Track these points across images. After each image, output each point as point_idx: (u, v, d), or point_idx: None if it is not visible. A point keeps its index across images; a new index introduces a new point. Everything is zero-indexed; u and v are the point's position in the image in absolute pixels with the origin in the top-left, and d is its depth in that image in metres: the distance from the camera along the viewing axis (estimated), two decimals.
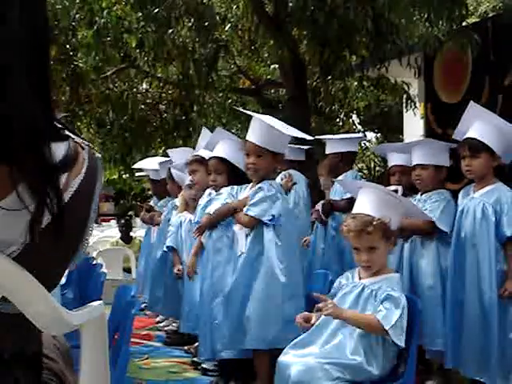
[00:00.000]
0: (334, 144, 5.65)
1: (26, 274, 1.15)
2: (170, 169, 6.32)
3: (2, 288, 1.14)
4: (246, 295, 4.03)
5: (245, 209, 4.10)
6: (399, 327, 3.05)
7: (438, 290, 4.25)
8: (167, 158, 6.73)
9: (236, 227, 4.21)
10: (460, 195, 4.21)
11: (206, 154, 4.99)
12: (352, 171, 5.64)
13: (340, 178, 5.46)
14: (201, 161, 5.20)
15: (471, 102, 4.18)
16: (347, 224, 3.34)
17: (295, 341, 3.27)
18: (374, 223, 3.25)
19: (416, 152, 4.49)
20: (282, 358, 3.19)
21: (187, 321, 5.15)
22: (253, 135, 4.12)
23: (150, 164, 7.46)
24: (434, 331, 4.16)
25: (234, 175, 4.50)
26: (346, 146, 5.57)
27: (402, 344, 3.06)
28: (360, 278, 3.35)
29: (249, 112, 4.48)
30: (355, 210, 3.49)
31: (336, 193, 5.50)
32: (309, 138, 4.56)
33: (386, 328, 3.02)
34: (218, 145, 4.68)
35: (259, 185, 4.14)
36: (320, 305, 3.13)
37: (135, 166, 8.30)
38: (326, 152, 5.72)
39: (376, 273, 3.32)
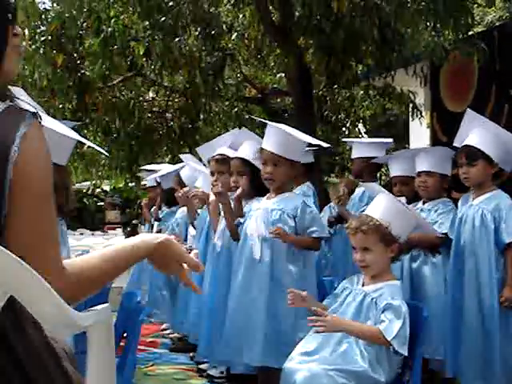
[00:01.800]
0: (360, 148, 5.60)
1: (33, 273, 1.16)
2: (178, 174, 6.30)
3: (8, 287, 1.16)
4: (265, 310, 3.92)
5: (313, 233, 4.00)
6: (402, 336, 3.05)
7: (441, 298, 4.25)
8: (169, 170, 6.76)
9: (250, 231, 4.08)
10: (459, 203, 4.21)
11: (231, 153, 4.74)
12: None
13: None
14: (228, 161, 4.75)
15: (468, 109, 4.20)
16: (349, 223, 3.40)
17: (301, 349, 3.27)
18: (371, 223, 3.27)
19: (421, 159, 4.48)
20: (287, 365, 3.19)
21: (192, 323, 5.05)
22: (269, 143, 4.03)
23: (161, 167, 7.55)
24: (437, 341, 4.15)
25: (256, 179, 4.29)
26: (372, 151, 5.46)
27: (406, 353, 3.06)
28: (363, 285, 3.36)
29: (263, 120, 4.35)
30: (366, 212, 3.52)
31: (354, 206, 5.41)
32: (325, 145, 4.46)
33: (389, 339, 3.03)
34: (242, 145, 4.52)
35: (302, 199, 4.09)
36: (317, 324, 3.11)
37: (146, 167, 8.31)
38: (352, 156, 5.69)
39: (376, 278, 3.32)
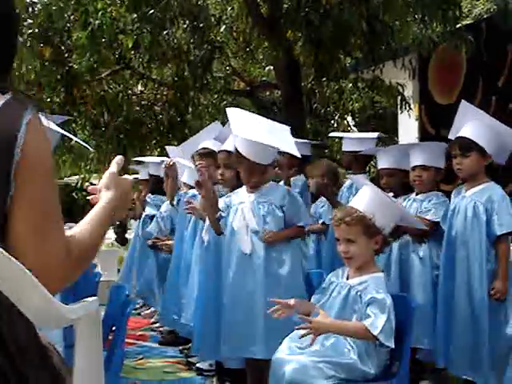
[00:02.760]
0: (349, 143, 5.64)
1: (20, 267, 1.15)
2: None
3: None
4: (259, 302, 3.87)
5: (299, 221, 4.05)
6: (388, 329, 3.03)
7: (426, 288, 4.26)
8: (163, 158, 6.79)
9: (237, 225, 4.05)
10: (452, 195, 4.23)
11: (212, 145, 4.82)
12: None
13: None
14: (212, 154, 4.81)
15: (463, 101, 4.21)
16: (333, 214, 3.40)
17: (291, 342, 3.26)
18: (355, 215, 3.26)
19: (416, 154, 4.48)
20: (276, 356, 3.18)
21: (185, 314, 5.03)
22: (259, 155, 3.97)
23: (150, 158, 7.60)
24: (423, 330, 4.15)
25: None
26: (360, 146, 5.48)
27: (392, 345, 3.05)
28: (348, 278, 3.35)
29: (239, 132, 4.20)
30: (350, 203, 3.53)
31: (342, 196, 5.41)
32: (296, 154, 4.31)
33: (375, 334, 3.01)
34: (229, 138, 4.47)
35: (285, 188, 4.18)
36: (302, 331, 3.08)
37: (136, 158, 8.34)
38: (343, 150, 5.75)
39: (361, 270, 3.30)
